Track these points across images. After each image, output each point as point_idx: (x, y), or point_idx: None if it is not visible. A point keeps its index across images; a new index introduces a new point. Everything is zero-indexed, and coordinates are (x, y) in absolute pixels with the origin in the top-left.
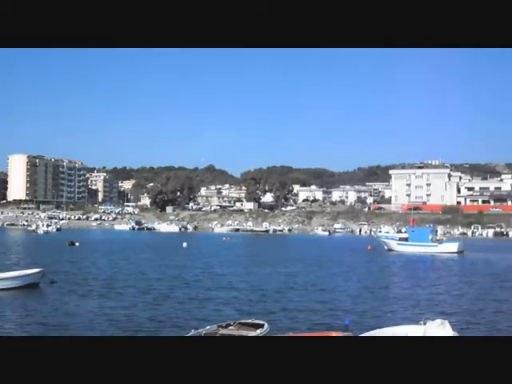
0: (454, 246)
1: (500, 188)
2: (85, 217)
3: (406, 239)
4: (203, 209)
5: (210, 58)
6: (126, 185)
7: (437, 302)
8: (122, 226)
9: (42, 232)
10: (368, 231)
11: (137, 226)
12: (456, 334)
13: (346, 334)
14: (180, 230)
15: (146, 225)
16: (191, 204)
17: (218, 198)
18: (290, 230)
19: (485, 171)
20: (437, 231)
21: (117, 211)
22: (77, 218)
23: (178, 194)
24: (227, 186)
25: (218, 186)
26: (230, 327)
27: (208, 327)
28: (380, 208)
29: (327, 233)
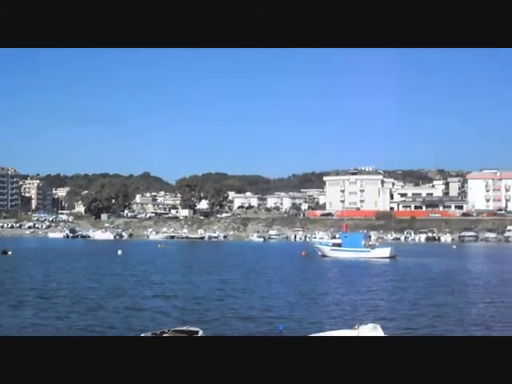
0: (386, 251)
1: (432, 194)
2: (18, 225)
3: (339, 245)
4: (138, 216)
5: (145, 63)
6: (60, 192)
7: (371, 307)
8: (56, 234)
9: None
10: (303, 237)
11: (71, 234)
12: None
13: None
14: (115, 237)
15: (80, 233)
16: (126, 211)
17: (154, 205)
18: (225, 237)
19: (417, 177)
20: (370, 237)
21: (51, 219)
22: (9, 226)
23: (113, 201)
24: (162, 193)
25: (153, 194)
26: (165, 335)
27: (142, 335)
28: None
29: (262, 239)
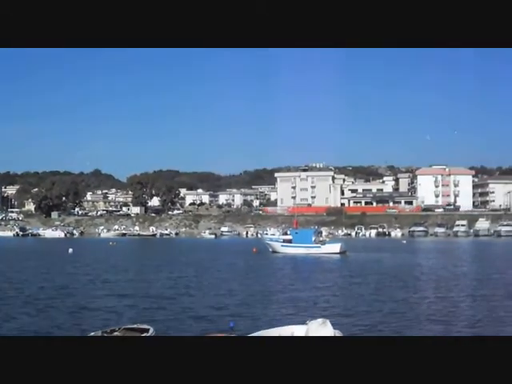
0: (336, 247)
1: (382, 190)
2: None
3: (289, 241)
4: (89, 214)
5: (99, 59)
6: (10, 190)
7: (322, 303)
8: (6, 233)
9: None
10: (254, 234)
11: (21, 232)
12: (337, 333)
13: (231, 335)
14: (66, 235)
15: (30, 231)
16: (77, 209)
17: (105, 202)
18: (177, 234)
19: (367, 174)
20: (321, 232)
21: (0, 217)
22: None
23: (64, 199)
24: (113, 190)
25: (105, 191)
26: (115, 333)
27: (92, 333)
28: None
29: (214, 236)
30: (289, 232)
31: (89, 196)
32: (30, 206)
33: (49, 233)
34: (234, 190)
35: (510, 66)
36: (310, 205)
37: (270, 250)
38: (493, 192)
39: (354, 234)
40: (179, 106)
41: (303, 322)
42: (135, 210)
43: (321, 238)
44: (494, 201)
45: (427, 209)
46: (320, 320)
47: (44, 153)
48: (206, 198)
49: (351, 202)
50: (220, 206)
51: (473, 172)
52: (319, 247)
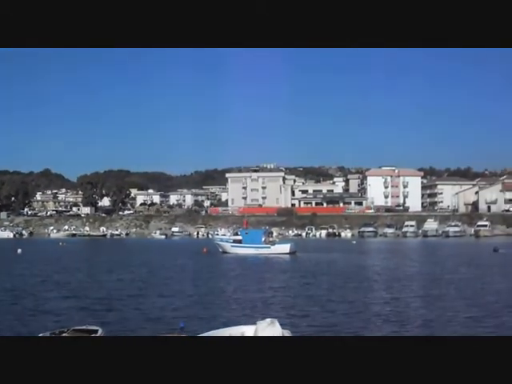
0: (286, 247)
1: (332, 190)
2: None
3: (239, 241)
4: (39, 214)
5: (52, 58)
6: None
7: (271, 303)
8: None
9: None
10: (205, 234)
11: None
12: (286, 333)
13: (181, 336)
14: (15, 235)
15: None
16: (26, 209)
17: (55, 202)
18: (127, 234)
19: (318, 174)
20: (271, 233)
21: None
22: None
23: (13, 199)
24: (63, 190)
25: (54, 191)
26: (64, 334)
27: (40, 335)
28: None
29: (164, 236)
30: (239, 232)
31: (38, 196)
32: None
33: None
34: (185, 191)
35: (458, 65)
36: (260, 205)
37: (220, 250)
38: (441, 193)
39: (304, 234)
40: (127, 104)
41: (253, 323)
42: (85, 210)
43: (271, 239)
44: (442, 202)
45: (390, 210)
46: (268, 320)
47: None
48: (156, 199)
49: (302, 202)
50: (171, 207)
51: (421, 173)
52: (269, 248)
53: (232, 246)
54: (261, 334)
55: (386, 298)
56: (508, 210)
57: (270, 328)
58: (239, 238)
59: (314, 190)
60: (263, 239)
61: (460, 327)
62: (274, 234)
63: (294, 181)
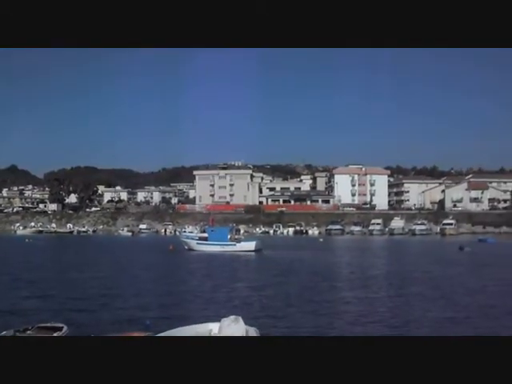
0: (251, 245)
1: (300, 188)
2: None
3: (205, 239)
4: (5, 211)
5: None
6: None
7: (234, 301)
8: None
9: None
10: (173, 231)
11: None
12: (251, 330)
13: (147, 333)
14: None
15: None
16: None
17: (21, 199)
18: (94, 231)
19: (285, 172)
20: (239, 230)
21: None
22: None
23: None
24: (30, 186)
25: (21, 187)
26: (28, 331)
27: (4, 332)
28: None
29: (130, 233)
30: (205, 230)
31: (4, 192)
32: None
33: None
34: (153, 188)
35: (423, 65)
36: (228, 203)
37: (186, 247)
38: (408, 192)
39: (272, 232)
40: (98, 101)
41: (219, 320)
42: (52, 206)
43: (236, 236)
44: (408, 200)
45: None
46: (232, 317)
47: None
48: (124, 195)
49: (269, 200)
50: (138, 204)
51: (388, 172)
52: (234, 245)
53: (198, 244)
54: (224, 330)
55: (349, 297)
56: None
57: (233, 325)
58: (205, 235)
59: (281, 188)
60: (229, 237)
61: (434, 328)
62: (242, 231)
63: (262, 178)
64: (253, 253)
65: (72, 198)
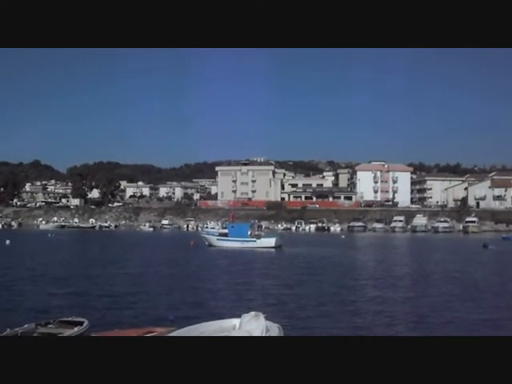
0: (271, 241)
1: (322, 185)
2: None
3: (225, 234)
4: (28, 205)
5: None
6: None
7: (254, 296)
8: None
9: None
10: (195, 227)
11: None
12: (274, 326)
13: (170, 329)
14: (3, 226)
15: None
16: (15, 200)
17: (44, 194)
18: (116, 227)
19: (307, 168)
20: (260, 226)
21: None
22: None
23: (2, 189)
24: (53, 181)
25: (44, 182)
26: (49, 325)
27: (26, 326)
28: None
29: (152, 229)
30: (226, 226)
31: (28, 187)
32: None
33: None
34: (175, 183)
35: (447, 63)
36: (250, 199)
37: (206, 243)
38: (430, 189)
39: (294, 228)
40: (120, 97)
41: (238, 316)
42: (75, 201)
43: (256, 232)
44: (431, 197)
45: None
46: (253, 313)
47: None
48: (146, 191)
49: (291, 196)
50: (160, 199)
51: (411, 169)
52: (254, 241)
53: (218, 240)
54: (244, 326)
55: (382, 297)
56: None
57: (253, 321)
58: (225, 231)
59: (303, 184)
60: (249, 233)
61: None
62: (264, 227)
63: (284, 174)
64: (273, 249)
65: (94, 193)
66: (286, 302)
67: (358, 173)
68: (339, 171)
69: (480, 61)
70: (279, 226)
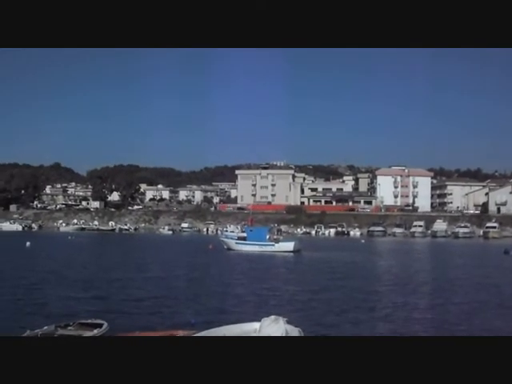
0: (290, 245)
1: (342, 189)
2: None
3: (244, 238)
4: (48, 207)
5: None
6: None
7: (279, 302)
8: None
9: None
10: (214, 230)
11: None
12: (294, 330)
13: (191, 332)
14: (24, 228)
15: None
16: (36, 202)
17: (64, 196)
18: (136, 229)
19: (327, 173)
20: (280, 230)
21: None
22: None
23: (23, 192)
24: (73, 184)
25: (64, 185)
26: (69, 327)
27: (45, 327)
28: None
29: (171, 232)
30: (244, 229)
31: (48, 189)
32: None
33: (6, 226)
34: (195, 187)
35: (465, 66)
36: (269, 203)
37: (225, 247)
38: (451, 194)
39: (313, 232)
40: (141, 100)
41: (259, 320)
42: (95, 204)
43: (275, 236)
44: (451, 202)
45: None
46: (273, 317)
47: (2, 145)
48: (166, 194)
49: (311, 200)
50: (180, 202)
51: (431, 174)
52: (273, 245)
53: (236, 243)
54: (264, 330)
55: (410, 303)
56: None
57: (273, 324)
58: (244, 234)
59: (323, 189)
60: (268, 237)
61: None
62: (283, 231)
63: (304, 178)
64: (291, 253)
65: (114, 196)
66: (313, 307)
67: (378, 177)
68: (359, 175)
69: (498, 64)
70: (299, 230)
